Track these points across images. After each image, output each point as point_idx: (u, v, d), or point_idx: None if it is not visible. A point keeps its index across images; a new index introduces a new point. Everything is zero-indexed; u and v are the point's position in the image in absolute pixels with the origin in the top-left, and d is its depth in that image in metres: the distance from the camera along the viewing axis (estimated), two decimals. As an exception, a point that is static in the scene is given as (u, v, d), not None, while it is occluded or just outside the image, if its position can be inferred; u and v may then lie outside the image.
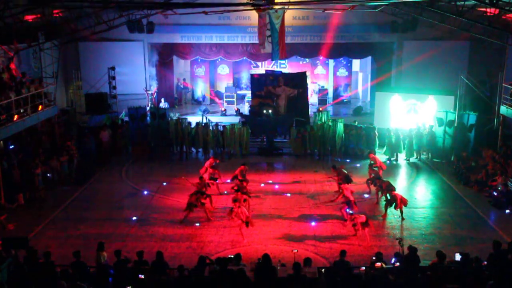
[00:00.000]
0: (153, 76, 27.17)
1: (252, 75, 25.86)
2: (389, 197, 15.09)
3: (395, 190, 15.21)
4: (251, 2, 18.43)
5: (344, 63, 30.98)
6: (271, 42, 22.15)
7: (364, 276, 9.89)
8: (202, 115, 25.66)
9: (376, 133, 21.69)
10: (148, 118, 22.97)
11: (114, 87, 25.14)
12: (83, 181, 18.71)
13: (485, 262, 10.50)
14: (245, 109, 26.95)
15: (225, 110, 27.70)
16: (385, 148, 21.69)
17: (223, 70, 31.30)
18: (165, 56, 27.74)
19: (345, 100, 30.94)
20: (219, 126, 22.37)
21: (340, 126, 21.83)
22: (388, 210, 15.78)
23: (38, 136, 20.48)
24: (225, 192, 17.27)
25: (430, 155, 21.70)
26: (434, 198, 17.25)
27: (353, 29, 25.68)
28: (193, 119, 24.44)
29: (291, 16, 24.52)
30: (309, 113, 24.91)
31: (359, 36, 26.05)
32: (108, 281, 10.09)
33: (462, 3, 18.08)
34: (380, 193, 16.05)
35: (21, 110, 17.96)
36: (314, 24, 26.01)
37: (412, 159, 21.37)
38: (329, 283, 9.49)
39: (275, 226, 14.64)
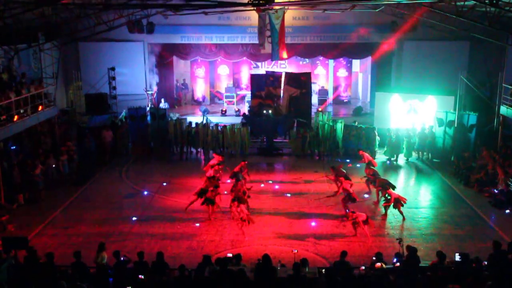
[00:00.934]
0: (153, 76, 27.17)
1: (252, 76, 25.84)
2: (388, 197, 15.10)
3: (392, 189, 15.20)
4: (251, 2, 18.42)
5: (344, 63, 30.99)
6: (271, 42, 22.16)
7: (364, 276, 9.88)
8: (203, 115, 25.68)
9: (376, 133, 21.69)
10: (148, 118, 22.97)
11: (114, 88, 25.14)
12: (83, 181, 18.71)
13: (485, 262, 10.50)
14: (245, 109, 26.95)
15: (225, 110, 27.71)
16: (385, 148, 21.70)
17: (223, 70, 31.31)
18: (165, 57, 27.74)
19: (345, 101, 31.00)
20: (219, 127, 22.37)
21: (341, 127, 21.83)
22: (389, 210, 15.81)
23: (37, 137, 20.48)
24: (225, 192, 17.24)
25: (430, 155, 21.72)
26: (434, 198, 17.26)
27: (353, 29, 25.68)
28: (193, 119, 24.47)
29: (291, 16, 24.51)
30: (311, 114, 24.88)
31: (359, 36, 26.06)
32: (108, 282, 10.09)
33: (462, 3, 18.07)
34: (380, 193, 16.05)
35: (21, 111, 17.97)
36: (314, 24, 26.00)
37: (411, 159, 21.38)
38: (329, 283, 9.49)
39: (275, 226, 14.63)
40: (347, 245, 13.27)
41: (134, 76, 26.34)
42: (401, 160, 21.43)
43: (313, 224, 14.71)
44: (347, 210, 14.54)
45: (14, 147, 18.63)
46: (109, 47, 25.82)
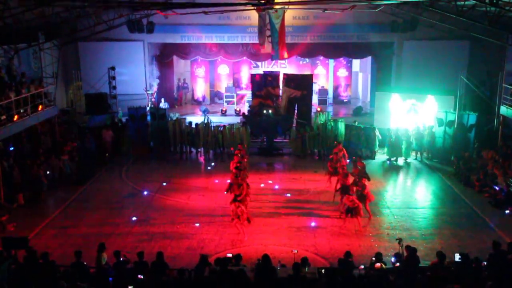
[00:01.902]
0: (153, 76, 27.17)
1: (252, 76, 25.86)
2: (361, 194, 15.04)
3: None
4: (251, 2, 18.43)
5: (344, 63, 31.00)
6: (271, 42, 22.16)
7: (364, 276, 9.88)
8: (204, 115, 25.68)
9: (376, 133, 21.70)
10: (148, 118, 22.97)
11: (114, 87, 25.15)
12: (83, 181, 18.71)
13: (485, 262, 10.50)
14: (245, 109, 26.95)
15: (225, 110, 27.72)
16: (385, 149, 21.71)
17: (223, 70, 31.31)
18: (165, 56, 27.75)
19: (345, 100, 31.02)
20: (219, 127, 22.37)
21: (342, 126, 21.83)
22: (389, 210, 15.85)
23: (37, 136, 20.48)
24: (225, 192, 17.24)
25: (430, 155, 21.72)
26: (434, 198, 17.26)
27: (353, 29, 25.69)
28: (193, 119, 24.47)
29: (291, 16, 24.52)
30: (311, 115, 24.87)
31: (359, 36, 26.05)
32: (108, 282, 10.09)
33: (462, 3, 18.07)
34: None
35: (21, 110, 17.97)
36: (314, 24, 26.01)
37: (409, 159, 21.39)
38: (329, 283, 9.49)
39: (275, 226, 14.63)
40: (347, 245, 13.28)
41: (134, 75, 26.35)
42: (401, 160, 21.42)
43: (313, 224, 14.70)
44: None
45: (12, 148, 18.62)
46: (109, 47, 25.82)
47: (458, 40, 24.67)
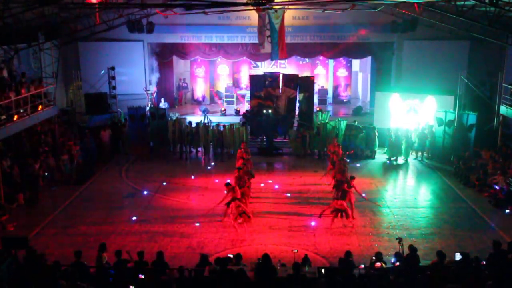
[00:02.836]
0: (152, 76, 27.16)
1: (251, 76, 25.83)
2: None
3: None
4: (251, 2, 18.40)
5: (344, 63, 30.99)
6: (270, 42, 22.14)
7: (364, 276, 9.88)
8: (204, 115, 25.67)
9: (376, 133, 21.70)
10: (148, 118, 22.96)
11: (114, 87, 25.14)
12: (83, 181, 18.71)
13: (484, 262, 10.50)
14: (245, 109, 26.94)
15: (225, 110, 27.72)
16: (385, 149, 21.72)
17: (223, 70, 31.30)
18: (165, 56, 27.74)
19: (344, 100, 31.04)
20: (219, 126, 22.38)
21: (343, 126, 21.84)
22: (389, 210, 15.86)
23: (37, 136, 20.48)
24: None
25: (430, 155, 21.72)
26: (434, 198, 17.25)
27: (353, 29, 25.68)
28: (193, 119, 24.47)
29: (291, 16, 24.50)
30: (312, 116, 24.84)
31: (359, 36, 26.05)
32: (108, 281, 10.08)
33: (462, 3, 18.07)
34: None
35: (21, 110, 17.96)
36: (314, 24, 26.01)
37: (409, 159, 21.39)
38: (329, 283, 9.49)
39: (275, 226, 14.64)
40: (347, 244, 13.29)
41: (134, 75, 26.34)
42: (401, 160, 21.42)
43: (313, 224, 14.70)
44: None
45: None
46: (109, 47, 25.81)
47: (458, 40, 24.67)
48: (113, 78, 25.08)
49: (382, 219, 15.18)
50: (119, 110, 25.15)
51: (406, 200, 16.98)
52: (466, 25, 21.14)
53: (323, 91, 30.26)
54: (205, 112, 26.66)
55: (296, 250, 11.26)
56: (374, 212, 15.65)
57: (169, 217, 15.33)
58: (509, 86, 19.78)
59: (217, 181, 18.56)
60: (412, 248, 10.55)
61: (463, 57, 24.89)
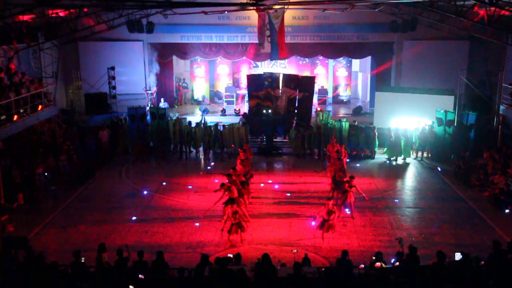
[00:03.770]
0: (152, 76, 27.17)
1: (248, 76, 25.80)
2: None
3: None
4: (251, 2, 18.43)
5: (344, 63, 31.00)
6: (270, 42, 22.16)
7: (364, 276, 9.88)
8: (202, 115, 25.67)
9: (376, 133, 21.70)
10: (148, 118, 22.96)
11: (114, 87, 25.14)
12: (83, 181, 18.70)
13: (483, 262, 10.49)
14: (245, 109, 26.94)
15: (224, 109, 27.72)
16: (385, 148, 21.72)
17: (223, 69, 31.30)
18: (164, 56, 27.74)
19: (344, 100, 31.05)
20: (219, 126, 22.37)
21: (346, 126, 21.84)
22: (388, 210, 15.86)
23: (37, 136, 20.48)
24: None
25: (430, 155, 21.72)
26: (434, 198, 17.23)
27: (353, 29, 25.69)
28: (193, 119, 24.47)
29: (290, 16, 24.52)
30: (311, 116, 24.84)
31: (358, 36, 26.05)
32: (108, 281, 10.07)
33: (462, 3, 18.07)
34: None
35: (21, 110, 17.95)
36: (314, 24, 26.02)
37: (409, 159, 21.39)
38: (329, 283, 9.49)
39: (275, 226, 14.64)
40: (346, 244, 13.29)
41: (134, 75, 26.36)
42: (401, 160, 21.42)
43: (313, 224, 14.68)
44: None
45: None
46: (109, 47, 25.83)
47: (458, 40, 24.68)
48: (113, 78, 25.08)
49: (382, 219, 15.17)
50: (121, 112, 25.13)
51: (406, 200, 16.98)
52: (466, 25, 21.14)
53: (323, 91, 30.25)
54: (205, 112, 26.65)
55: (296, 250, 11.27)
56: (374, 212, 15.64)
57: (169, 217, 15.32)
58: (509, 86, 19.78)
59: (216, 181, 18.53)
60: (412, 248, 10.54)
61: (463, 57, 24.91)
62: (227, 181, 15.12)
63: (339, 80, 31.24)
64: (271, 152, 22.56)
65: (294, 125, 23.60)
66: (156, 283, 9.73)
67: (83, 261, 10.59)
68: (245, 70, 30.99)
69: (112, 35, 24.99)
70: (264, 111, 22.90)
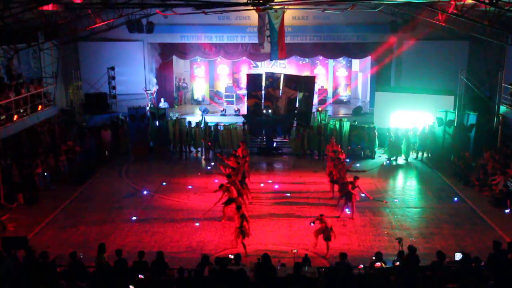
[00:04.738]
0: (152, 76, 27.17)
1: (248, 75, 25.78)
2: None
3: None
4: (251, 2, 18.40)
5: (344, 63, 30.99)
6: (270, 42, 22.14)
7: (364, 276, 9.88)
8: (202, 115, 25.67)
9: (376, 133, 21.70)
10: (148, 118, 22.95)
11: (114, 87, 25.13)
12: (83, 181, 18.70)
13: (483, 262, 10.50)
14: (245, 108, 26.93)
15: (224, 109, 27.71)
16: (385, 148, 21.71)
17: (223, 70, 31.30)
18: (164, 56, 27.74)
19: (344, 100, 31.04)
20: (219, 127, 22.38)
21: (347, 126, 21.84)
22: (388, 210, 15.86)
23: (37, 136, 20.47)
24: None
25: (430, 155, 21.72)
26: (434, 198, 17.24)
27: (353, 29, 25.68)
28: (193, 119, 24.46)
29: (290, 16, 24.49)
30: (311, 116, 24.83)
31: (358, 36, 26.04)
32: (108, 281, 10.07)
33: (462, 2, 18.07)
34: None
35: (21, 110, 17.96)
36: (314, 24, 26.00)
37: (409, 159, 21.39)
38: (329, 283, 9.49)
39: (275, 226, 14.64)
40: (346, 244, 13.29)
41: (134, 75, 26.33)
42: (401, 160, 21.42)
43: (313, 224, 14.67)
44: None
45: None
46: (108, 47, 25.81)
47: (458, 40, 24.67)
48: (113, 78, 25.07)
49: (382, 219, 15.18)
50: (121, 113, 25.14)
51: (406, 200, 16.98)
52: (466, 25, 21.13)
53: (323, 91, 30.24)
54: (205, 112, 26.65)
55: (296, 250, 11.27)
56: (374, 212, 15.64)
57: (169, 217, 15.32)
58: (509, 86, 19.77)
59: (216, 181, 18.53)
60: (412, 249, 10.55)
61: (463, 57, 24.89)
62: (226, 181, 15.19)
63: (339, 80, 31.23)
64: (271, 152, 22.56)
65: (294, 125, 23.60)
66: (156, 283, 9.72)
67: (81, 257, 10.61)
68: (245, 70, 30.99)
69: (112, 35, 24.97)
70: (264, 111, 22.88)
